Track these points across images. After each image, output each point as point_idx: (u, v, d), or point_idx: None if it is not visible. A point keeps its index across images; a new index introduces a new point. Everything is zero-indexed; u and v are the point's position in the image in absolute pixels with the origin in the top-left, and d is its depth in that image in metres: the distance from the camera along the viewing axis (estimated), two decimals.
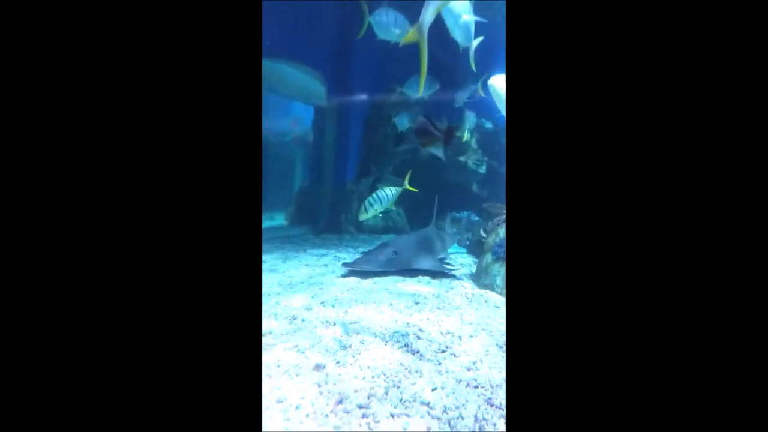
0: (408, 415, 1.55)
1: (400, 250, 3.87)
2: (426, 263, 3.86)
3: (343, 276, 3.77)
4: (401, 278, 3.72)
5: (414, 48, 2.10)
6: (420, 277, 3.82)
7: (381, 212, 4.24)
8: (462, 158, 7.61)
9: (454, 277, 3.91)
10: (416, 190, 4.01)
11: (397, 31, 3.37)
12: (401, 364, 1.99)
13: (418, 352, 2.14)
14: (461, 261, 4.84)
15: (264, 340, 2.20)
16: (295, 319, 2.55)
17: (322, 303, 2.90)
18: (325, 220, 6.98)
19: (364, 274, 3.74)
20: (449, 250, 4.39)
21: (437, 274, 3.87)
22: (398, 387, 1.76)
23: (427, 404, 1.64)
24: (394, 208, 6.75)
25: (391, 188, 3.86)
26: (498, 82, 2.99)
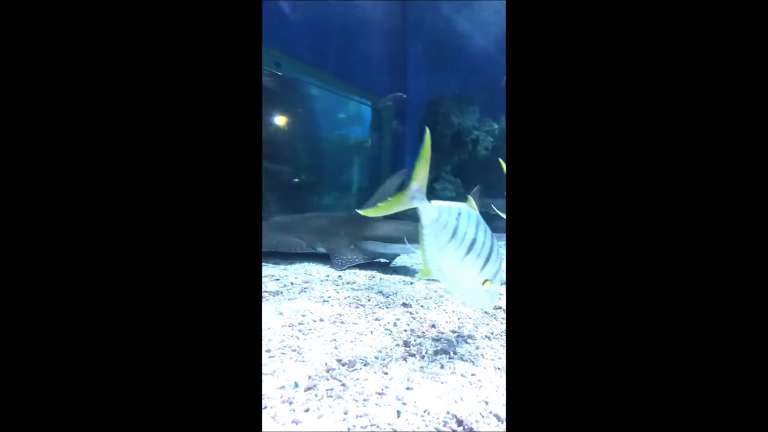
0: (502, 346, 1.55)
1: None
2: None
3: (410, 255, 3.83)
4: None
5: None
6: None
7: None
8: None
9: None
10: None
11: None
12: (486, 313, 1.99)
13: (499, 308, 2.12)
14: None
15: (351, 286, 2.33)
16: (373, 277, 2.66)
17: (395, 271, 2.99)
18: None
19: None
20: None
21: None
22: (488, 325, 1.77)
23: None
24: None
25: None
26: None
